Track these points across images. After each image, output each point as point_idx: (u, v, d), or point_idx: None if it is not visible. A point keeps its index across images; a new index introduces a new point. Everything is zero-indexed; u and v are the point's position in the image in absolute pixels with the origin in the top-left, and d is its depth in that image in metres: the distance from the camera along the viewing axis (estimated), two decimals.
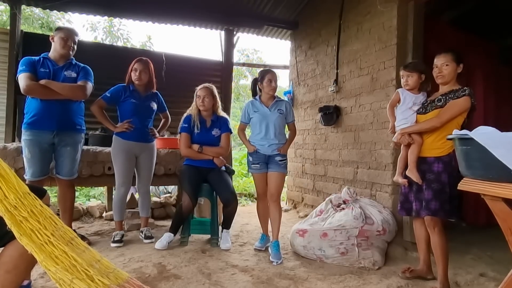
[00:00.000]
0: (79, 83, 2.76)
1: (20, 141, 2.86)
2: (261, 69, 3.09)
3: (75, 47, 2.84)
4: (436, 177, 2.14)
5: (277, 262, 2.63)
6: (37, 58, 2.74)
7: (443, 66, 2.18)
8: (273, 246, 2.79)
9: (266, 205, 2.98)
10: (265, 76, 2.90)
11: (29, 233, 1.10)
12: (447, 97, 2.15)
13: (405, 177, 2.29)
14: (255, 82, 3.05)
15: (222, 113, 3.22)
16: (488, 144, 1.29)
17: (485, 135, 1.34)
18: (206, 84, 3.13)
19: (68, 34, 2.77)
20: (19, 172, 2.78)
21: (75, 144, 2.81)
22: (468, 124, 2.08)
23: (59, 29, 2.83)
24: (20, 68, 2.66)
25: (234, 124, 9.99)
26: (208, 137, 3.08)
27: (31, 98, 2.69)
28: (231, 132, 3.24)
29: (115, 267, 1.27)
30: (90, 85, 2.82)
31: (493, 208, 1.36)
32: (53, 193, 3.88)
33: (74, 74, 2.78)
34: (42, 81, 2.62)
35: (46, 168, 2.72)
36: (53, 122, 2.66)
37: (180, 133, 3.11)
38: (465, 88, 2.12)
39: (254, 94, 3.07)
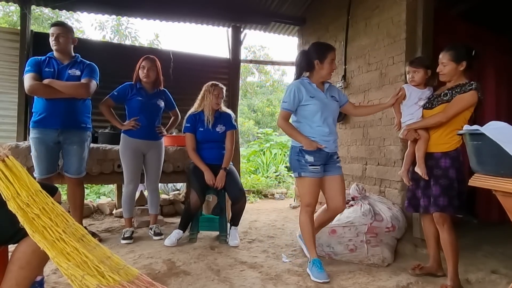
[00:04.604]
0: (82, 81, 2.76)
1: None
2: (317, 44, 2.50)
3: (69, 40, 2.79)
4: (444, 172, 2.11)
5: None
6: (43, 58, 2.77)
7: (441, 66, 2.15)
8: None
9: (313, 219, 2.42)
10: (328, 55, 2.33)
11: (41, 230, 1.13)
12: (454, 92, 2.11)
13: (413, 173, 2.27)
14: (308, 57, 2.38)
15: (225, 109, 3.22)
16: (500, 139, 1.27)
17: (497, 130, 1.32)
18: (218, 83, 3.13)
19: (54, 31, 2.75)
20: (31, 170, 2.82)
21: (81, 143, 2.81)
22: (480, 119, 2.05)
23: (51, 26, 2.83)
24: (26, 68, 2.71)
25: (241, 121, 10.03)
26: (213, 134, 3.08)
27: (37, 98, 2.73)
28: (236, 129, 3.23)
29: (125, 264, 1.29)
30: (93, 83, 2.81)
31: (505, 204, 1.34)
32: (64, 190, 3.93)
33: (78, 72, 2.78)
34: (46, 81, 2.66)
35: (52, 166, 2.76)
36: (58, 121, 2.68)
37: (184, 133, 3.13)
38: (472, 82, 2.08)
39: (299, 73, 2.43)
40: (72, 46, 2.86)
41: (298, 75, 2.42)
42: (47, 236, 1.12)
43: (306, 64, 2.38)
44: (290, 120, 2.45)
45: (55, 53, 2.79)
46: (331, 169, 2.41)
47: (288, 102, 2.35)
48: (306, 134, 2.35)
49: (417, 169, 2.21)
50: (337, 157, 2.47)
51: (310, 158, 2.31)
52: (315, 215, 2.50)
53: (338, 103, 2.46)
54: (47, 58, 2.77)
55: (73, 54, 2.86)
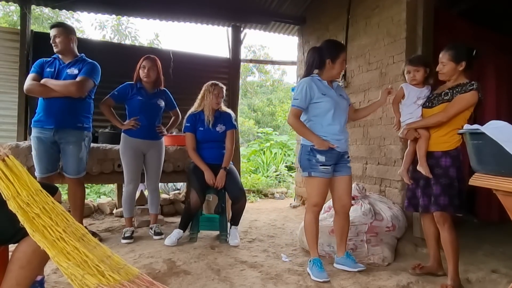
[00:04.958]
0: (76, 79, 2.73)
1: None
2: (330, 42, 2.48)
3: (68, 40, 2.77)
4: (444, 171, 2.11)
5: (362, 268, 2.36)
6: (48, 58, 2.81)
7: (441, 65, 2.16)
8: (347, 258, 2.41)
9: (318, 219, 2.44)
10: (341, 55, 2.32)
11: (41, 230, 1.13)
12: (454, 91, 2.11)
13: (413, 172, 2.27)
14: (320, 55, 2.32)
15: (225, 109, 3.22)
16: (500, 138, 1.27)
17: (497, 129, 1.32)
18: (218, 82, 3.12)
19: (52, 33, 2.77)
20: (31, 170, 2.82)
21: (78, 143, 2.77)
22: (480, 118, 2.05)
23: (50, 28, 2.86)
24: (31, 70, 2.76)
25: (241, 120, 10.04)
26: (213, 134, 3.08)
27: (39, 98, 2.76)
28: (236, 128, 3.23)
29: (126, 263, 1.29)
30: (89, 81, 2.76)
31: (505, 203, 1.34)
32: (64, 190, 3.96)
33: (76, 71, 2.77)
34: (42, 80, 2.68)
35: (51, 165, 2.76)
36: (52, 120, 2.68)
37: (184, 132, 3.13)
38: (473, 82, 2.08)
39: (309, 70, 2.35)
40: (75, 45, 2.85)
41: (308, 73, 2.35)
42: (47, 236, 1.12)
43: (318, 62, 2.31)
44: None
45: (59, 54, 2.81)
46: (341, 169, 2.37)
47: (299, 99, 2.27)
48: (318, 133, 2.28)
49: (419, 168, 2.21)
50: (348, 156, 2.42)
51: (321, 158, 2.25)
52: (334, 227, 2.52)
53: (347, 102, 2.44)
54: (52, 59, 2.81)
55: (77, 53, 2.86)
